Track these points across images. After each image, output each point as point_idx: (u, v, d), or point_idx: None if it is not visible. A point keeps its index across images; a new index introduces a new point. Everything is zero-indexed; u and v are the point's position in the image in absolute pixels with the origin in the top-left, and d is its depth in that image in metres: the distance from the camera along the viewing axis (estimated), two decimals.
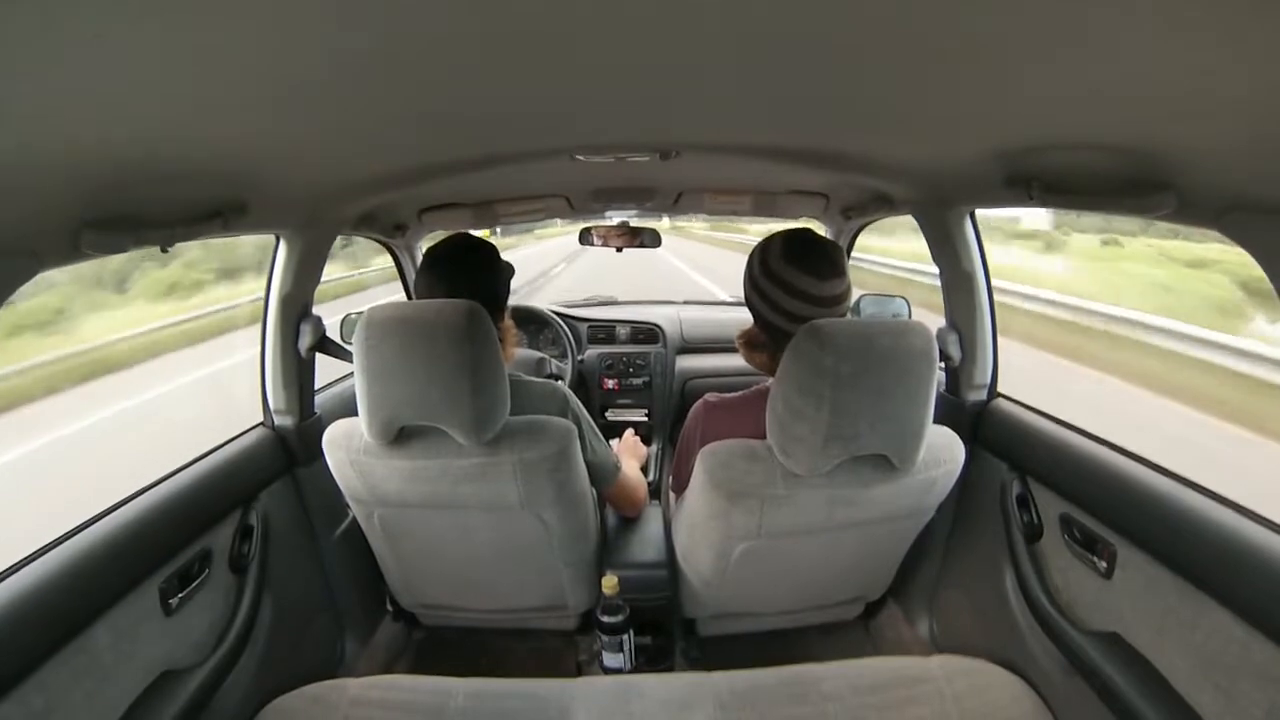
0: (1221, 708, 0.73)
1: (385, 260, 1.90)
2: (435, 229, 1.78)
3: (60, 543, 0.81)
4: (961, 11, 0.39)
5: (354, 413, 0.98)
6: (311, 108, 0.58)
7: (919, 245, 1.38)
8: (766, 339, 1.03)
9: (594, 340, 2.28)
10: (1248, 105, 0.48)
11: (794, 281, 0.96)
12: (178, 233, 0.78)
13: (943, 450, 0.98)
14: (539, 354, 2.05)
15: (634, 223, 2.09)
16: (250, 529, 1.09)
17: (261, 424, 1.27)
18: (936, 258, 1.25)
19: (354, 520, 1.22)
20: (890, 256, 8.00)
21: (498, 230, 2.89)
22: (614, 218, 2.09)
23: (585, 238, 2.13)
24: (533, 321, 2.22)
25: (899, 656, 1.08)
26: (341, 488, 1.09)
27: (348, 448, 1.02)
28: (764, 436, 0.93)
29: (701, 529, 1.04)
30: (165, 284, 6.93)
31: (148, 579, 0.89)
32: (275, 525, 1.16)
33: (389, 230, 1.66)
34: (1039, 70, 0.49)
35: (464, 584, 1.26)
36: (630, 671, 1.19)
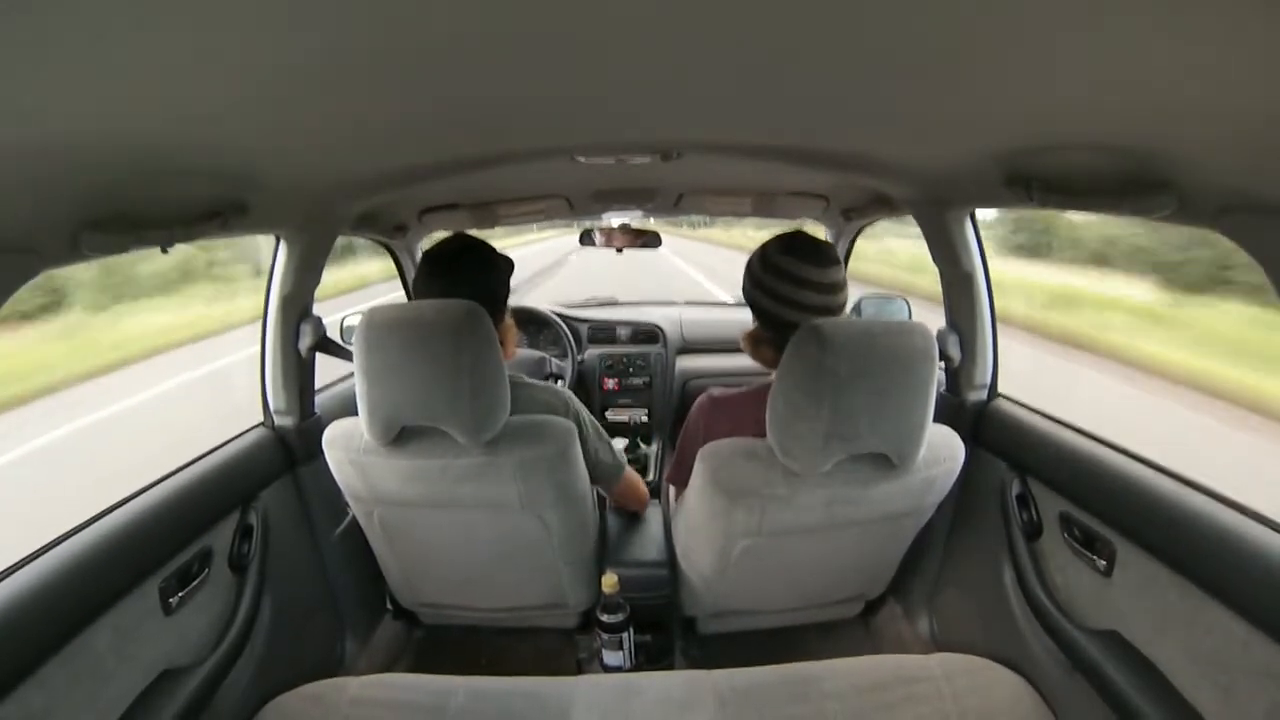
0: (1221, 705, 0.73)
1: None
2: (436, 229, 1.78)
3: (60, 542, 0.81)
4: (961, 12, 0.39)
5: (354, 413, 0.98)
6: (312, 107, 0.58)
7: None
8: (772, 334, 1.05)
9: (594, 340, 2.28)
10: (1248, 105, 0.48)
11: (796, 270, 1.00)
12: (178, 233, 0.78)
13: (942, 449, 0.99)
14: (539, 354, 2.05)
15: (634, 224, 2.10)
16: (250, 528, 1.09)
17: (261, 424, 1.27)
18: (936, 258, 1.25)
19: (354, 519, 1.22)
20: None
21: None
22: (614, 219, 2.10)
23: (586, 238, 2.14)
24: (533, 322, 2.22)
25: (899, 655, 1.08)
26: (341, 487, 1.09)
27: (347, 447, 1.02)
28: (765, 433, 0.93)
29: (702, 528, 1.04)
30: None
31: (148, 578, 0.89)
32: (275, 525, 1.16)
33: (389, 231, 1.66)
34: (1039, 70, 0.49)
35: (464, 583, 1.26)
36: (630, 670, 1.19)
